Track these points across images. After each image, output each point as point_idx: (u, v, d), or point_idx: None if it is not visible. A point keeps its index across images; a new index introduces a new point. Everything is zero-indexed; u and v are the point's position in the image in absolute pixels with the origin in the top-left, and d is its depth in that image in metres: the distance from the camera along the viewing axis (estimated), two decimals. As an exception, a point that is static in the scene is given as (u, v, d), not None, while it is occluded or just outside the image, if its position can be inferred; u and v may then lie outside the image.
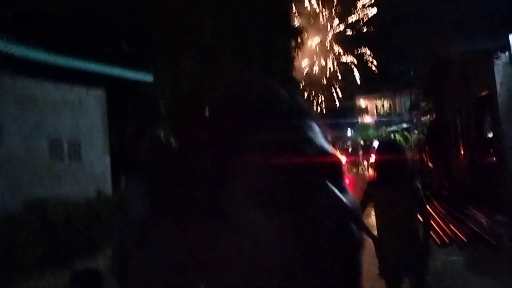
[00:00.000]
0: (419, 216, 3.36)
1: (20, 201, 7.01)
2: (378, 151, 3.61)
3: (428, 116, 14.24)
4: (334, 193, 0.68)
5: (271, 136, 0.68)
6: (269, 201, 0.63)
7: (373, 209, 3.31)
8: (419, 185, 3.40)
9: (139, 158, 3.12)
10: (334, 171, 0.71)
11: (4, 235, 5.89)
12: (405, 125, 27.42)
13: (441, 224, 7.41)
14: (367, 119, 41.30)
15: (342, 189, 0.70)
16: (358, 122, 41.21)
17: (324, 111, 36.59)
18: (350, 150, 30.31)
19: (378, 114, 41.21)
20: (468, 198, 8.22)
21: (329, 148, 0.72)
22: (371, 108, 42.50)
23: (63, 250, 6.60)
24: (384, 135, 31.94)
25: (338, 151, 25.92)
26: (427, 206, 3.94)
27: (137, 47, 9.43)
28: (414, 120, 20.48)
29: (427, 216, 3.44)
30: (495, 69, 7.52)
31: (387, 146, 3.79)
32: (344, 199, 0.68)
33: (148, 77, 9.69)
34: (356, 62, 36.68)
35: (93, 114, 9.00)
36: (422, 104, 21.83)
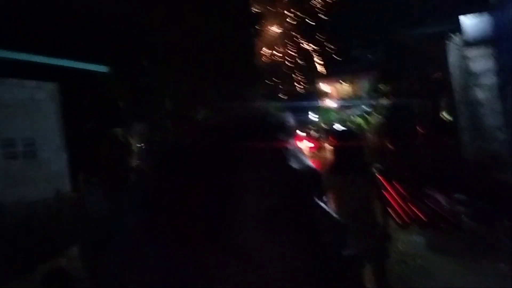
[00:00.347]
0: (377, 201, 3.38)
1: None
2: (333, 139, 3.56)
3: (387, 99, 14.52)
4: (325, 208, 0.69)
5: (265, 155, 0.67)
6: (269, 222, 0.63)
7: (330, 197, 3.28)
8: (375, 171, 3.42)
9: (101, 157, 2.98)
10: (319, 185, 0.71)
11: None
12: (365, 108, 27.86)
13: (402, 205, 7.60)
14: (329, 103, 41.76)
15: (326, 203, 0.71)
16: (319, 106, 41.67)
17: (287, 96, 36.84)
18: (313, 134, 30.56)
19: (339, 97, 41.65)
20: (428, 179, 8.46)
21: (310, 162, 0.72)
22: (332, 92, 42.92)
23: (24, 253, 6.37)
24: (345, 118, 32.48)
25: (302, 135, 26.45)
26: (386, 190, 3.99)
27: (89, 38, 9.08)
28: (374, 103, 20.82)
29: (384, 201, 3.47)
30: (448, 52, 7.71)
31: (342, 133, 3.75)
32: (333, 214, 0.70)
33: (101, 69, 9.37)
34: (315, 48, 36.91)
35: (47, 110, 8.65)
36: (381, 87, 22.30)
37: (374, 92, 25.77)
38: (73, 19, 8.70)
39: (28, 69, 7.72)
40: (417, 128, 10.40)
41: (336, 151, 3.41)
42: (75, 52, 8.45)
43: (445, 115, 8.55)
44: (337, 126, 27.88)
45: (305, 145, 25.15)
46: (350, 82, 40.37)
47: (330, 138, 3.73)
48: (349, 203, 3.18)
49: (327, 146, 26.24)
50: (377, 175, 3.57)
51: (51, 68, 8.14)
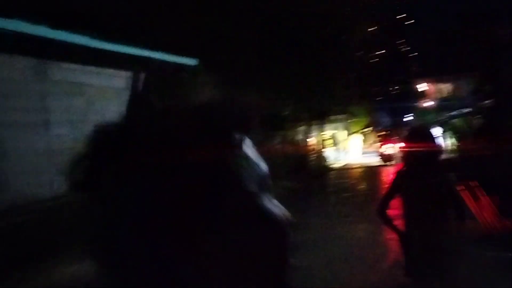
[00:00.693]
0: (454, 210, 3.06)
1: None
2: (408, 138, 3.25)
3: (488, 100, 13.30)
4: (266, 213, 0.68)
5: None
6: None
7: (401, 202, 3.10)
8: (452, 177, 3.12)
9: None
10: (268, 184, 0.69)
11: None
12: (465, 110, 25.94)
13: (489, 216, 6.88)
14: (428, 104, 39.72)
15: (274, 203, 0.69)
16: (418, 107, 39.76)
17: (384, 97, 35.66)
18: (403, 134, 29.06)
19: (438, 98, 39.27)
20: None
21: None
22: (431, 92, 40.68)
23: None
24: (445, 120, 30.57)
25: (397, 137, 25.47)
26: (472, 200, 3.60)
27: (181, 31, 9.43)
28: (475, 105, 19.26)
29: (462, 210, 3.13)
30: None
31: (418, 133, 3.36)
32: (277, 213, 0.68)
33: (190, 61, 9.67)
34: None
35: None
36: (484, 88, 20.55)
37: (476, 93, 23.95)
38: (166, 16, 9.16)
39: (124, 59, 8.10)
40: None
41: (409, 151, 3.15)
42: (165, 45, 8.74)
43: None
44: (414, 125, 26.30)
45: (394, 146, 24.09)
46: (452, 82, 37.98)
47: (404, 137, 3.45)
48: (419, 209, 2.95)
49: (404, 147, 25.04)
50: (457, 182, 3.26)
51: (145, 59, 8.46)
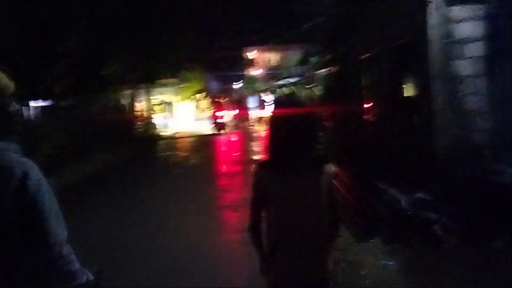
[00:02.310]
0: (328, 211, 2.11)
1: None
2: (275, 112, 2.22)
3: (327, 69, 12.77)
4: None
5: None
6: None
7: (267, 204, 2.07)
8: (333, 169, 2.11)
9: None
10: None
11: None
12: (293, 80, 26.45)
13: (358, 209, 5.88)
14: (254, 72, 40.36)
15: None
16: (244, 74, 40.07)
17: (216, 63, 34.57)
18: (236, 103, 28.75)
19: (266, 67, 40.12)
20: (383, 170, 6.81)
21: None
22: (259, 60, 41.36)
23: None
24: (271, 89, 31.11)
25: (225, 104, 24.67)
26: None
27: None
28: (306, 74, 19.25)
29: (335, 213, 2.18)
30: (424, 11, 5.95)
31: (288, 103, 2.26)
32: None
33: None
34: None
35: None
36: (313, 58, 20.84)
37: (305, 63, 24.43)
38: None
39: None
40: (372, 105, 8.78)
41: (276, 130, 2.13)
42: None
43: (412, 91, 6.85)
44: (269, 97, 26.60)
45: (228, 113, 23.20)
46: (279, 51, 39.00)
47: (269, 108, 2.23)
48: (293, 214, 2.07)
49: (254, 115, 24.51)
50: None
51: None
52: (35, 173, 1.45)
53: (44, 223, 1.43)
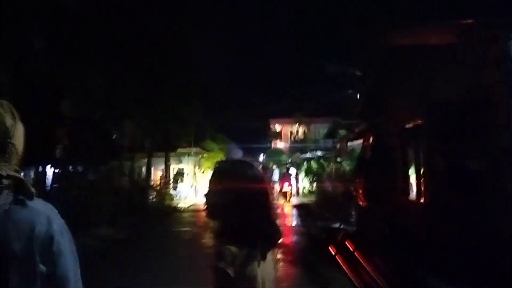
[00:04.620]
0: None
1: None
2: (216, 180, 1.94)
3: (361, 141, 11.34)
4: None
5: None
6: None
7: None
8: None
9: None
10: None
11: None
12: (320, 153, 25.19)
13: None
14: (280, 144, 39.50)
15: None
16: (270, 147, 39.19)
17: (238, 134, 33.88)
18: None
19: (292, 140, 39.20)
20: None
21: None
22: (285, 132, 40.63)
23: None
24: (298, 163, 29.85)
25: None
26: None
27: None
28: (337, 146, 17.91)
29: None
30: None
31: (231, 172, 1.98)
32: None
33: None
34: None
35: None
36: (342, 131, 19.68)
37: (332, 136, 23.26)
38: None
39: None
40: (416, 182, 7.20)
41: (225, 201, 1.86)
42: None
43: (482, 165, 5.28)
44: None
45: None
46: (305, 124, 38.19)
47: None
48: None
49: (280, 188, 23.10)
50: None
51: None
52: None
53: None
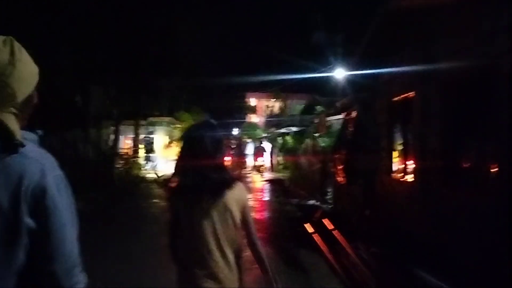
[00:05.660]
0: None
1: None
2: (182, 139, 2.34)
3: (342, 116, 10.79)
4: None
5: None
6: None
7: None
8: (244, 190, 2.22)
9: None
10: None
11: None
12: (296, 128, 24.73)
13: None
14: (255, 119, 39.13)
15: None
16: (245, 120, 38.73)
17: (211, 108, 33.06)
18: (232, 149, 27.07)
19: (268, 114, 38.82)
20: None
21: None
22: (260, 107, 40.18)
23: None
24: (273, 137, 29.49)
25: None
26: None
27: None
28: (315, 121, 17.42)
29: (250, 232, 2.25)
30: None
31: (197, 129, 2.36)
32: None
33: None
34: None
35: None
36: (319, 107, 19.17)
37: (309, 112, 22.78)
38: None
39: None
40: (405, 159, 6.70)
41: (180, 156, 2.29)
42: None
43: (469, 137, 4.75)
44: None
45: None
46: (282, 100, 37.79)
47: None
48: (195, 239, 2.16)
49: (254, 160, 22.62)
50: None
51: None
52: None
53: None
